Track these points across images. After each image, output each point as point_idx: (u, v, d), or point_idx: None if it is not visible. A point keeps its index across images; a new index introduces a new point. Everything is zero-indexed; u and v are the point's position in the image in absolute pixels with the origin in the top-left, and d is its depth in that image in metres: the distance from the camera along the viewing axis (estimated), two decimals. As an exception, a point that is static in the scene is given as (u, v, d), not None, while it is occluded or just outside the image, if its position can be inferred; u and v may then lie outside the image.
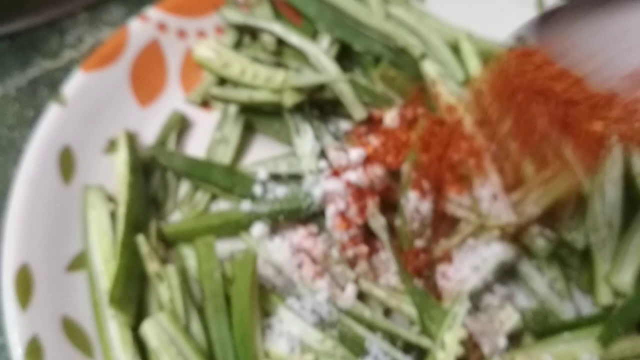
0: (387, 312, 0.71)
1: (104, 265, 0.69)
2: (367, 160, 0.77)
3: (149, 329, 0.64)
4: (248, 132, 0.84)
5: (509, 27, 0.93)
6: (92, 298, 0.69)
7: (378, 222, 0.73)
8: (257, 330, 0.67)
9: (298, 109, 0.81)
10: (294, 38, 0.85)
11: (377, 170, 0.76)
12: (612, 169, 0.80)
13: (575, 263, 0.78)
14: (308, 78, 0.80)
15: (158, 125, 0.83)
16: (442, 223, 0.76)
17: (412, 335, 0.67)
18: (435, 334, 0.66)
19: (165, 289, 0.68)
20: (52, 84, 0.89)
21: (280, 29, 0.86)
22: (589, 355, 0.68)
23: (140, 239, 0.70)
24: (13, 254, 0.68)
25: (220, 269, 0.69)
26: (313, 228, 0.76)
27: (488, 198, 0.76)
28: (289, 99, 0.79)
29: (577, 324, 0.72)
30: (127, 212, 0.71)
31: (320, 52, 0.84)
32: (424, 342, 0.66)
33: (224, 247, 0.75)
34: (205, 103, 0.87)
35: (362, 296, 0.71)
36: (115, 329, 0.66)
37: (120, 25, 0.92)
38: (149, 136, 0.82)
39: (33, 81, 0.90)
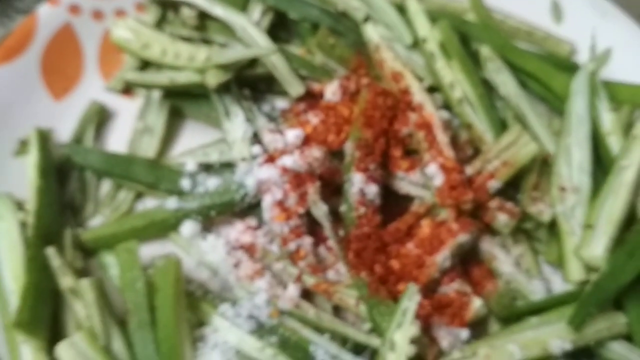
0: (337, 310, 0.64)
1: (15, 283, 0.62)
2: (306, 141, 0.69)
3: (65, 353, 0.57)
4: (176, 119, 0.76)
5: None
6: (3, 321, 0.61)
7: (320, 210, 0.66)
8: (187, 344, 0.60)
9: (226, 89, 0.73)
10: (217, 10, 0.77)
11: (316, 152, 0.68)
12: (579, 128, 0.72)
13: (542, 236, 0.71)
14: (233, 53, 0.72)
15: (75, 119, 0.75)
16: (392, 204, 0.69)
17: (360, 335, 0.60)
18: (385, 332, 0.59)
19: (82, 306, 0.60)
20: (-41, 82, 0.81)
21: (201, 1, 0.77)
22: (560, 341, 0.61)
23: (51, 251, 0.62)
24: None
25: (143, 278, 0.62)
26: (250, 221, 0.68)
27: (440, 172, 0.68)
28: (213, 79, 0.71)
29: (547, 305, 0.65)
30: (36, 222, 0.64)
31: (247, 23, 0.76)
32: (374, 341, 0.59)
33: (153, 250, 0.68)
34: (127, 90, 0.78)
35: (307, 295, 0.64)
36: (29, 354, 0.59)
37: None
38: (65, 132, 0.74)
39: (-62, 81, 0.81)
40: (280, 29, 0.81)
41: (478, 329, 0.65)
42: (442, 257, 0.64)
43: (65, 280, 0.61)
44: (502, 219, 0.68)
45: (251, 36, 0.75)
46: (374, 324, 0.61)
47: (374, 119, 0.70)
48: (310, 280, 0.64)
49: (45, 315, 0.60)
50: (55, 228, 0.65)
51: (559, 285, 0.70)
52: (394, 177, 0.70)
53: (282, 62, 0.74)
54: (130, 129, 0.75)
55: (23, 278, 0.61)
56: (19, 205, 0.67)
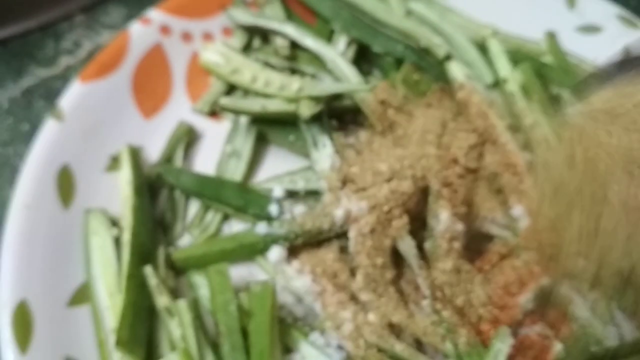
0: (420, 346, 0.65)
1: (109, 299, 0.63)
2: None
3: (160, 372, 0.58)
4: (261, 144, 0.77)
5: (538, 21, 0.87)
6: (97, 337, 0.63)
7: (407, 244, 0.67)
8: (279, 369, 0.61)
9: (315, 119, 0.74)
10: (308, 41, 0.78)
11: (405, 186, 0.69)
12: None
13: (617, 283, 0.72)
14: (326, 87, 0.74)
15: (163, 139, 0.77)
16: (474, 244, 0.70)
17: (448, 373, 0.61)
18: (474, 371, 0.60)
19: (177, 326, 0.61)
20: (48, 94, 0.83)
21: (293, 31, 0.79)
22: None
23: (148, 270, 0.64)
24: (10, 289, 0.62)
25: (236, 302, 0.63)
26: (336, 251, 0.70)
27: (525, 214, 0.70)
28: (307, 110, 0.72)
29: (621, 352, 0.66)
30: (132, 239, 0.65)
31: (337, 56, 0.78)
32: (462, 380, 0.60)
33: (239, 273, 0.69)
34: (214, 112, 0.80)
35: (391, 329, 0.65)
36: (123, 371, 0.60)
37: (119, 27, 0.86)
38: (153, 151, 0.76)
39: (27, 91, 0.83)
40: (361, 60, 0.82)
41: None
42: (526, 299, 0.66)
43: (162, 300, 0.63)
44: (581, 263, 0.69)
45: (340, 69, 0.77)
46: (461, 362, 0.62)
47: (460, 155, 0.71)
48: (394, 314, 0.65)
49: (143, 333, 0.61)
50: (150, 246, 0.67)
51: (630, 332, 0.71)
52: (477, 217, 0.71)
53: (370, 97, 0.75)
54: (215, 151, 0.77)
55: (119, 295, 0.63)
56: (112, 222, 0.69)
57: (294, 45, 0.80)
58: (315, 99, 0.73)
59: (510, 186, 0.71)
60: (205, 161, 0.77)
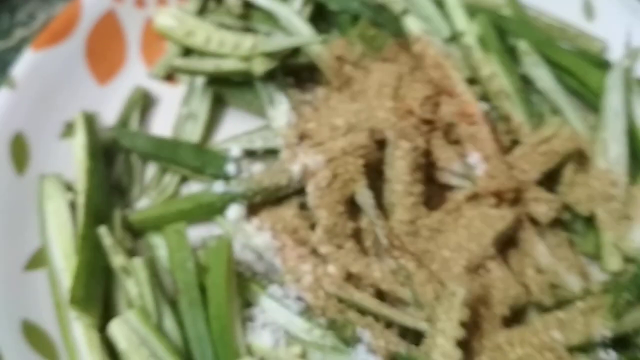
0: (379, 294, 0.65)
1: (65, 261, 0.63)
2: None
3: (117, 330, 0.58)
4: (218, 106, 0.77)
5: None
6: (53, 299, 0.62)
7: (365, 196, 0.67)
8: (237, 323, 0.61)
9: (271, 77, 0.74)
10: (261, -1, 0.78)
11: (362, 138, 0.69)
12: (615, 122, 0.73)
13: (579, 228, 0.72)
14: (279, 42, 0.73)
15: (119, 104, 0.76)
16: (433, 194, 0.70)
17: (408, 318, 0.61)
18: (432, 315, 0.60)
19: (134, 284, 0.61)
20: (2, 66, 0.81)
21: (246, -10, 0.78)
22: (600, 329, 0.62)
23: (103, 230, 0.63)
24: (-37, 255, 0.61)
25: (193, 259, 0.63)
26: (295, 206, 0.69)
27: (481, 162, 0.70)
28: (260, 66, 0.72)
29: (586, 294, 0.66)
30: (87, 201, 0.65)
31: (291, 12, 0.77)
32: (421, 325, 0.60)
33: (198, 232, 0.69)
34: (170, 77, 0.79)
35: (350, 279, 0.65)
36: (81, 331, 0.60)
37: None
38: (109, 116, 0.75)
39: (-18, 64, 0.82)
40: (319, 19, 0.82)
41: (517, 317, 0.66)
42: (484, 245, 0.66)
43: (117, 259, 0.62)
44: (542, 209, 0.69)
45: (295, 26, 0.76)
46: (421, 308, 0.62)
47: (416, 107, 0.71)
48: (353, 264, 0.65)
49: (98, 292, 0.61)
50: (104, 208, 0.66)
51: (595, 276, 0.71)
52: (435, 166, 0.71)
53: (324, 51, 0.75)
54: (172, 115, 0.76)
55: (74, 257, 0.62)
56: (67, 187, 0.68)
57: (248, 6, 0.80)
58: (269, 56, 0.72)
59: (467, 135, 0.71)
60: (163, 125, 0.76)
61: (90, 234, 0.63)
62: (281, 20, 0.77)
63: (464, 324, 0.58)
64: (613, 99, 0.75)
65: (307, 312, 0.62)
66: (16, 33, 0.85)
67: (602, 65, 0.80)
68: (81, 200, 0.65)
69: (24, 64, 0.73)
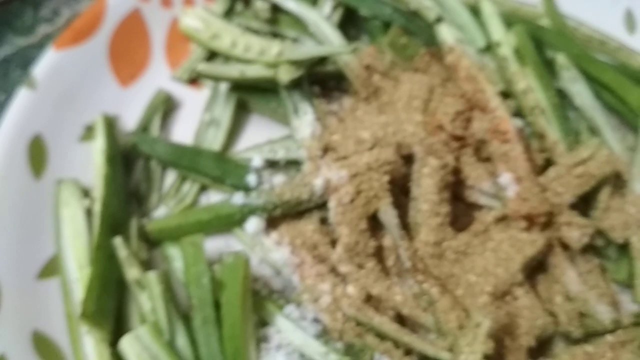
0: (400, 318, 0.62)
1: (79, 271, 0.61)
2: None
3: (129, 346, 0.57)
4: (241, 112, 0.75)
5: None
6: (65, 310, 0.61)
7: (389, 215, 0.64)
8: (251, 343, 0.59)
9: (296, 85, 0.71)
10: (290, 3, 0.75)
11: (387, 153, 0.66)
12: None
13: (612, 254, 0.69)
14: (307, 50, 0.71)
15: (141, 107, 0.74)
16: (460, 213, 0.67)
17: (429, 347, 0.58)
18: (455, 345, 0.57)
19: (147, 298, 0.59)
20: (25, 63, 0.81)
21: (275, -6, 0.76)
22: (632, 364, 0.59)
23: (118, 241, 0.61)
24: (-24, 261, 0.60)
25: (209, 274, 0.61)
26: (316, 221, 0.67)
27: (513, 182, 0.67)
28: (285, 75, 0.69)
29: (617, 326, 0.63)
30: (103, 210, 0.63)
31: (320, 18, 0.74)
32: (443, 355, 0.58)
33: (216, 244, 0.67)
34: (193, 80, 0.77)
35: (370, 301, 0.62)
36: (92, 345, 0.58)
37: (99, -6, 0.83)
38: (130, 119, 0.74)
39: (4, 61, 0.81)
40: (349, 25, 0.79)
41: (543, 347, 0.63)
42: (512, 270, 0.63)
43: (132, 272, 0.60)
44: (575, 235, 0.66)
45: (323, 32, 0.74)
46: (443, 336, 0.59)
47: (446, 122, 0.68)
48: (374, 285, 0.62)
49: (111, 306, 0.60)
50: (121, 217, 0.65)
51: (627, 305, 0.68)
52: (464, 185, 0.68)
53: (353, 61, 0.72)
54: (194, 119, 0.74)
55: (89, 267, 0.61)
56: (84, 192, 0.67)
57: (277, 9, 0.77)
58: (296, 64, 0.70)
59: (499, 154, 0.68)
60: (184, 130, 0.75)
61: (105, 244, 0.61)
62: (310, 26, 0.74)
63: (487, 357, 0.56)
64: (653, 118, 0.72)
65: (323, 334, 0.60)
66: (39, 29, 0.84)
67: (644, 81, 0.76)
68: (97, 208, 0.64)
69: (46, 64, 0.71)
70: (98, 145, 0.68)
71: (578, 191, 0.67)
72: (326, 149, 0.69)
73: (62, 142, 0.70)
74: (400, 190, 0.67)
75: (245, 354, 0.57)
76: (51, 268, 0.63)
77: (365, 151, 0.66)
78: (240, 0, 0.80)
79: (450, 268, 0.64)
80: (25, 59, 0.81)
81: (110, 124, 0.70)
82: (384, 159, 0.65)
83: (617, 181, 0.70)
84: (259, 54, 0.72)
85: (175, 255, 0.65)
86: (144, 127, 0.73)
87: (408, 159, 0.67)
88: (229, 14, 0.79)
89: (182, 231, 0.66)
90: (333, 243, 0.66)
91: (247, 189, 0.68)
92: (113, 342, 0.58)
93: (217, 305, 0.60)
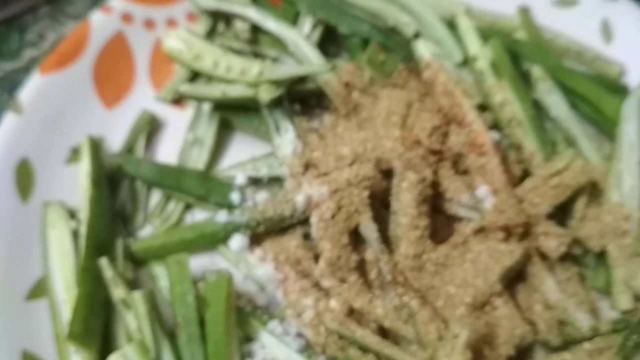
0: (382, 331, 0.63)
1: (66, 292, 0.63)
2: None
3: (115, 365, 0.58)
4: (224, 131, 0.76)
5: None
6: (54, 330, 0.62)
7: (370, 229, 0.66)
8: (236, 359, 0.60)
9: (277, 103, 0.73)
10: (270, 23, 0.77)
11: (367, 169, 0.68)
12: (630, 154, 0.71)
13: (590, 262, 0.70)
14: (286, 70, 0.72)
15: (126, 128, 0.76)
16: (440, 225, 0.69)
17: (410, 358, 0.60)
18: (435, 356, 0.59)
19: (133, 318, 0.61)
20: (11, 87, 0.82)
21: (255, 14, 0.78)
22: (609, 372, 0.61)
23: (104, 262, 0.63)
24: (-35, 284, 0.61)
25: (193, 292, 0.62)
26: (298, 237, 0.68)
27: (490, 194, 0.68)
28: (266, 94, 0.71)
29: (595, 333, 0.64)
30: (88, 231, 0.64)
31: (300, 38, 0.76)
32: (423, 366, 0.59)
33: (201, 262, 0.68)
34: (177, 100, 0.79)
35: (352, 315, 0.64)
36: (79, 364, 0.59)
37: (84, 17, 0.84)
38: (115, 140, 0.75)
39: (-9, 85, 0.83)
40: (328, 42, 0.81)
41: (524, 355, 0.65)
42: (491, 281, 0.64)
43: (118, 292, 0.62)
44: (552, 244, 0.67)
45: (303, 51, 0.75)
46: (423, 348, 0.60)
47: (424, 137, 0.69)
48: (356, 299, 0.64)
49: (97, 326, 0.61)
50: (107, 238, 0.66)
51: (605, 312, 0.69)
52: (443, 198, 0.69)
53: (333, 79, 0.74)
54: (179, 139, 0.76)
55: (76, 288, 0.62)
56: (71, 214, 0.68)
57: (257, 29, 0.79)
58: (276, 83, 0.71)
59: (476, 167, 0.69)
60: (169, 150, 0.76)
61: (91, 265, 0.62)
62: (289, 46, 0.76)
63: (465, 366, 0.57)
64: (629, 128, 0.73)
65: (307, 349, 0.62)
66: (25, 53, 0.85)
67: (620, 90, 0.78)
68: (83, 229, 0.65)
69: (31, 89, 0.73)
70: (84, 168, 0.69)
71: (554, 201, 0.68)
72: (307, 166, 0.70)
73: (48, 165, 0.71)
74: (381, 204, 0.68)
75: (230, 370, 0.59)
76: (39, 289, 0.65)
77: (345, 167, 0.68)
78: (221, 21, 0.81)
79: (430, 280, 0.65)
80: (11, 83, 0.83)
81: (96, 146, 0.72)
82: (364, 174, 0.67)
83: (593, 190, 0.71)
84: (240, 73, 0.73)
85: (160, 274, 0.67)
86: (129, 148, 0.74)
87: (387, 174, 0.69)
88: (210, 34, 0.81)
89: (167, 250, 0.67)
90: (316, 258, 0.67)
91: (230, 207, 0.70)
92: (101, 361, 0.60)
93: (201, 323, 0.61)
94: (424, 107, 0.72)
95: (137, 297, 0.61)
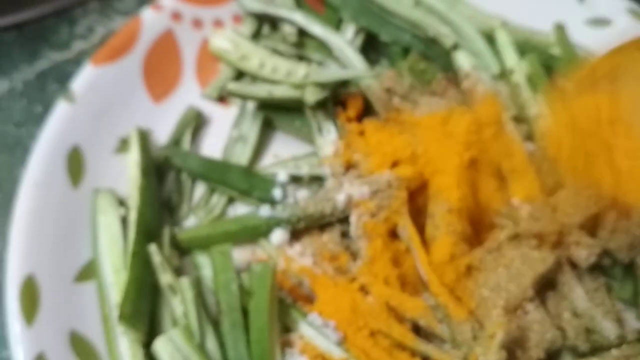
0: (417, 329, 0.66)
1: (114, 275, 0.65)
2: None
3: (162, 348, 0.60)
4: (267, 130, 0.79)
5: (548, 14, 0.87)
6: (101, 312, 0.64)
7: (407, 230, 0.68)
8: (277, 348, 0.62)
9: (321, 105, 0.75)
10: (316, 28, 0.80)
11: (407, 171, 0.70)
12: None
13: (618, 273, 0.72)
14: (332, 73, 0.75)
15: (172, 123, 0.78)
16: (475, 232, 0.71)
17: (445, 356, 0.62)
18: (469, 355, 0.61)
19: (179, 303, 0.63)
20: (61, 77, 0.85)
21: (301, 18, 0.80)
22: (635, 379, 0.63)
23: (153, 248, 0.65)
24: (18, 263, 0.64)
25: (237, 281, 0.65)
26: (337, 234, 0.71)
27: (525, 203, 0.70)
28: (311, 96, 0.73)
29: (623, 341, 0.67)
30: (138, 218, 0.67)
31: (344, 43, 0.79)
32: (457, 364, 0.61)
33: (243, 254, 0.70)
34: (222, 98, 0.81)
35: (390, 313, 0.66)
36: (126, 346, 0.62)
37: (132, 14, 0.88)
38: (162, 134, 0.77)
39: (41, 74, 0.85)
40: (370, 49, 0.83)
41: (553, 358, 0.67)
42: (524, 286, 0.66)
43: (165, 277, 0.64)
44: (583, 254, 0.69)
45: (347, 56, 0.78)
46: (456, 347, 0.63)
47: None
48: (392, 297, 0.66)
49: (146, 309, 0.63)
50: (154, 225, 0.68)
51: (631, 323, 0.71)
52: (479, 205, 0.72)
53: (375, 84, 0.76)
54: (223, 135, 0.78)
55: (124, 272, 0.64)
56: (120, 202, 0.70)
57: (303, 33, 0.81)
58: (321, 86, 0.74)
59: (512, 176, 0.72)
60: (213, 145, 0.78)
61: (140, 251, 0.65)
62: (334, 50, 0.78)
63: (500, 366, 0.59)
64: (659, 145, 0.75)
65: (345, 342, 0.64)
66: (75, 45, 0.88)
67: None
68: (133, 216, 0.67)
69: (83, 79, 0.75)
70: (133, 157, 0.72)
71: (586, 212, 0.71)
72: (348, 167, 0.73)
73: (98, 153, 0.73)
74: (420, 206, 0.70)
75: (271, 357, 0.61)
76: (88, 272, 0.67)
77: (385, 169, 0.70)
78: (266, 23, 0.84)
79: (465, 282, 0.67)
80: (61, 74, 0.85)
81: (144, 138, 0.74)
82: (403, 176, 0.69)
83: (624, 204, 0.73)
84: (286, 75, 0.76)
85: (204, 263, 0.69)
86: (176, 142, 0.76)
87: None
88: (256, 36, 0.83)
89: (212, 240, 0.69)
90: (353, 256, 0.69)
91: (272, 202, 0.72)
92: (146, 344, 0.62)
93: (244, 311, 0.63)
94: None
95: (185, 282, 0.63)
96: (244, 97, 0.77)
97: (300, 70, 0.75)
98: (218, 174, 0.73)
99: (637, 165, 0.58)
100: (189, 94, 0.81)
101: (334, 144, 0.74)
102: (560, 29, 0.86)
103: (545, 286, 0.70)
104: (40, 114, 0.82)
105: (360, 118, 0.77)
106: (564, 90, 0.65)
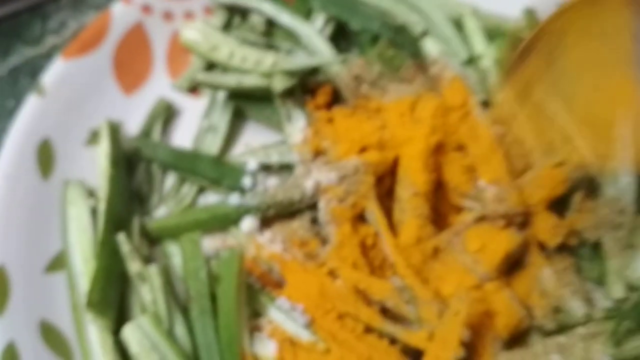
0: (384, 311, 0.66)
1: (84, 265, 0.66)
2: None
3: (130, 334, 0.61)
4: (237, 119, 0.79)
5: (518, 1, 0.88)
6: (71, 301, 0.65)
7: (375, 215, 0.69)
8: (245, 332, 0.63)
9: (290, 93, 0.76)
10: (284, 17, 0.80)
11: (374, 157, 0.71)
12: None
13: (586, 253, 0.73)
14: (299, 61, 0.75)
15: (143, 114, 0.79)
16: (442, 214, 0.72)
17: (409, 336, 0.63)
18: (434, 333, 0.62)
19: (148, 290, 0.64)
20: (34, 72, 0.85)
21: (269, 8, 0.81)
22: (600, 355, 0.63)
23: (121, 237, 0.66)
24: (-13, 255, 0.64)
25: (206, 268, 0.65)
26: (306, 221, 0.71)
27: (491, 185, 0.71)
28: (279, 84, 0.74)
29: (589, 320, 0.67)
30: (107, 208, 0.67)
31: (313, 32, 0.79)
32: (422, 343, 0.62)
33: (214, 242, 0.71)
34: (193, 89, 0.82)
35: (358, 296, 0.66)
36: (95, 333, 0.63)
37: (105, 8, 0.87)
38: (133, 126, 0.78)
39: (14, 70, 0.86)
40: (339, 38, 0.84)
41: (520, 337, 0.68)
42: (491, 266, 0.67)
43: (134, 265, 0.65)
44: (549, 234, 0.70)
45: (316, 45, 0.78)
46: (422, 326, 0.63)
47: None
48: (360, 281, 0.67)
49: (114, 297, 0.64)
50: (124, 215, 0.69)
51: (599, 302, 0.71)
52: (445, 187, 0.72)
53: (343, 71, 0.77)
54: (193, 126, 0.79)
55: (93, 262, 0.65)
56: (90, 193, 0.71)
57: (272, 24, 0.82)
58: (289, 74, 0.74)
59: (479, 159, 0.72)
60: (184, 136, 0.79)
61: (109, 240, 0.65)
62: (302, 39, 0.79)
63: (464, 344, 0.60)
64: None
65: (313, 325, 0.64)
66: (47, 40, 0.89)
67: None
68: (102, 206, 0.68)
69: (54, 73, 0.76)
70: (103, 149, 0.72)
71: (553, 193, 0.71)
72: (317, 153, 0.73)
73: (68, 145, 0.74)
74: (386, 191, 0.71)
75: (240, 342, 0.62)
76: (58, 262, 0.68)
77: (353, 154, 0.71)
78: (237, 14, 0.85)
79: (431, 264, 0.68)
80: (33, 68, 0.86)
81: (115, 129, 0.75)
82: (370, 161, 0.70)
83: (590, 184, 0.74)
84: (255, 64, 0.76)
85: (174, 252, 0.69)
86: (146, 133, 0.77)
87: (394, 162, 0.72)
88: (226, 27, 0.84)
89: (181, 229, 0.70)
90: (322, 241, 0.70)
91: (242, 191, 0.73)
92: (115, 331, 0.62)
93: (213, 298, 0.64)
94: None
95: (153, 270, 0.64)
96: (214, 87, 0.78)
97: (269, 59, 0.76)
98: (188, 164, 0.74)
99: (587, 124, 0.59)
100: (160, 85, 0.81)
101: (302, 131, 0.74)
102: (530, 13, 0.87)
103: (513, 267, 0.70)
104: (12, 108, 0.82)
105: (329, 106, 0.78)
106: (513, 58, 0.66)
